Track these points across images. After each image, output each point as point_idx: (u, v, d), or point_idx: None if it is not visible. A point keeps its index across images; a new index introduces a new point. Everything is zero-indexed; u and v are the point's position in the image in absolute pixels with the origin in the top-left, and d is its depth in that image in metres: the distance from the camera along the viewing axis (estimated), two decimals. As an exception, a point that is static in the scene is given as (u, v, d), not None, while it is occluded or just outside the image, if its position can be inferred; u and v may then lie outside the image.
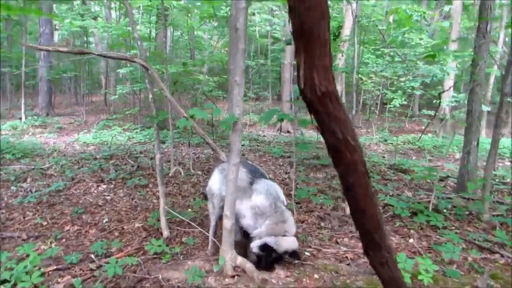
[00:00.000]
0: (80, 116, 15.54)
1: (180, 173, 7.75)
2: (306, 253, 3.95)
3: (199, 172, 7.93)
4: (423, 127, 17.48)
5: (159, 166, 4.43)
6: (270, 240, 3.40)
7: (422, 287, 3.25)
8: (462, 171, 6.26)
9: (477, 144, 6.14)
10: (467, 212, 5.26)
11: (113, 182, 6.97)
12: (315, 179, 7.57)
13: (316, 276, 3.40)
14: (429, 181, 7.46)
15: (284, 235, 3.43)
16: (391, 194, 6.22)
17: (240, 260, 3.51)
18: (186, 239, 4.30)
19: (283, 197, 3.74)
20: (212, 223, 4.09)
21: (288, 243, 3.42)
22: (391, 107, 15.64)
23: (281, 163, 9.45)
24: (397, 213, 5.08)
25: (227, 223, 3.39)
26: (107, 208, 5.54)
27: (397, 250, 4.08)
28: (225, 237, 3.45)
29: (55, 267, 3.67)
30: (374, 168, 8.39)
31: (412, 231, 4.64)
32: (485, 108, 13.33)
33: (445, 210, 5.12)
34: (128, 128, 13.51)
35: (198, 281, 3.17)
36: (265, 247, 3.39)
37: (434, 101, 15.44)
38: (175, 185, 6.95)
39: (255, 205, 3.51)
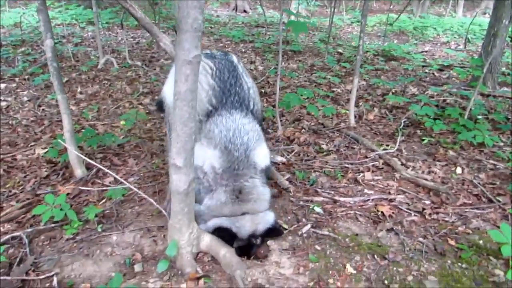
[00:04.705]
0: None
1: (113, 65, 5.85)
2: (316, 209, 2.45)
3: (139, 63, 6.06)
4: (391, 6, 15.74)
5: (52, 62, 2.61)
6: (224, 222, 1.99)
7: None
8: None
9: (510, 22, 4.65)
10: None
11: (16, 79, 5.03)
12: (289, 70, 5.96)
13: (348, 267, 1.97)
14: (427, 70, 6.08)
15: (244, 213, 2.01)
16: (393, 91, 4.77)
17: (208, 240, 2.00)
18: (111, 191, 2.43)
19: (260, 157, 2.09)
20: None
21: (255, 221, 2.00)
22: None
23: (243, 49, 7.66)
24: (427, 124, 3.54)
25: (178, 179, 1.73)
26: (-2, 122, 3.76)
27: (455, 195, 2.62)
28: (177, 205, 1.83)
29: None
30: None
31: (451, 153, 3.23)
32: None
33: (479, 116, 3.76)
34: (49, 6, 10.84)
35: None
36: (220, 232, 1.99)
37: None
38: (105, 82, 5.13)
39: (195, 165, 1.87)
